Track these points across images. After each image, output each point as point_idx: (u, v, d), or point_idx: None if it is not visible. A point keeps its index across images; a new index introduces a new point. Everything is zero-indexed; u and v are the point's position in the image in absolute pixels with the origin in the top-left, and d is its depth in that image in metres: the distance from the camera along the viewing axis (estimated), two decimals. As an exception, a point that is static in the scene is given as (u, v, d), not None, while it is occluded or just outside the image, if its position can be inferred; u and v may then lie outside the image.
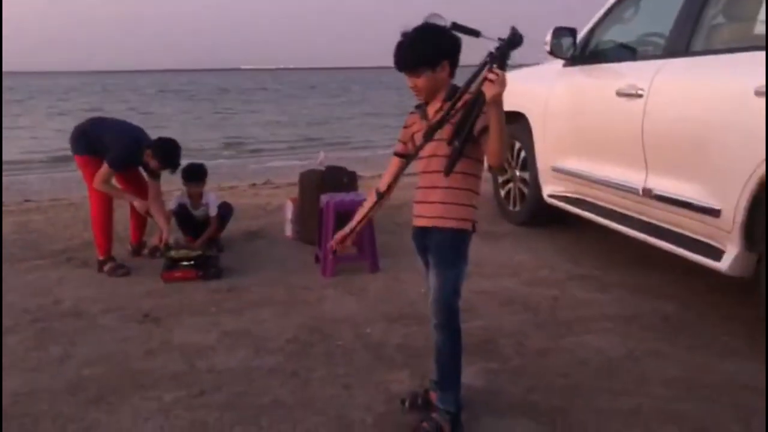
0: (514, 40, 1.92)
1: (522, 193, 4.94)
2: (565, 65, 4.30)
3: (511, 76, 5.51)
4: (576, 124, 4.17)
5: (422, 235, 2.29)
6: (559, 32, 4.08)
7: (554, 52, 4.13)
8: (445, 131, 2.09)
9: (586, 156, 4.03)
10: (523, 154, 4.83)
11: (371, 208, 2.38)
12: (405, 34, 2.14)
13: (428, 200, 2.23)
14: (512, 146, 4.95)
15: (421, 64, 2.15)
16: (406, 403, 2.47)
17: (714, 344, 2.99)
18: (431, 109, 2.18)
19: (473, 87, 2.00)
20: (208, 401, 2.57)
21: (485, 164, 2.21)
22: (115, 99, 34.97)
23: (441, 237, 2.22)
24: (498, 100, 1.95)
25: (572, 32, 4.10)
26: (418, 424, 2.29)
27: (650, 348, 2.96)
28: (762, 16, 2.97)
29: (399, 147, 2.37)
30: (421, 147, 2.17)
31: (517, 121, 4.79)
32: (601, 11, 4.16)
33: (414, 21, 2.15)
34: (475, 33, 2.01)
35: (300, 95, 37.77)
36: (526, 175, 4.81)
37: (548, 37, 4.08)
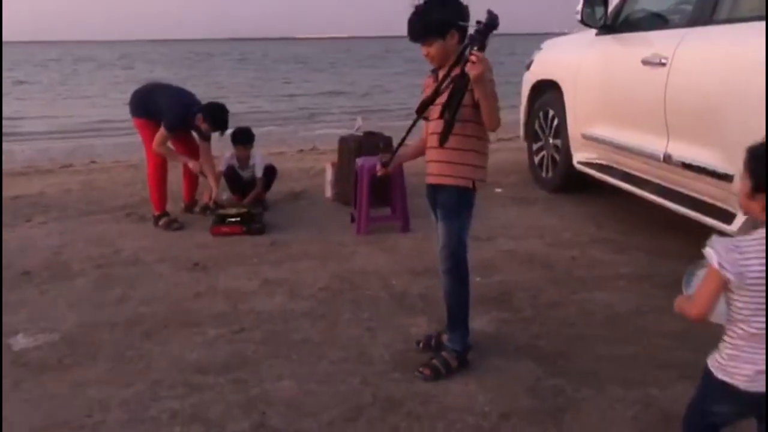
0: (490, 23, 2.13)
1: (554, 161, 5.05)
2: (597, 34, 4.38)
3: (547, 45, 5.56)
4: (604, 92, 4.26)
5: (432, 191, 2.53)
6: (591, 1, 4.16)
7: (585, 21, 4.22)
8: (441, 99, 2.30)
9: (612, 123, 4.14)
10: (556, 121, 4.95)
11: (407, 132, 2.51)
12: (416, 7, 2.34)
13: (433, 159, 2.47)
14: (546, 114, 5.06)
15: (431, 34, 2.35)
16: (421, 344, 2.74)
17: (720, 304, 3.12)
18: (442, 73, 2.37)
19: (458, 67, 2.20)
20: (247, 337, 2.90)
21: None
22: (176, 67, 35.92)
23: (446, 193, 2.46)
24: (480, 78, 2.15)
25: (604, 1, 4.17)
26: (429, 360, 2.55)
27: (657, 305, 3.10)
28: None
29: None
30: (419, 117, 2.39)
31: (552, 89, 4.90)
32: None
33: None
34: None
35: (360, 64, 37.66)
36: (559, 143, 4.93)
37: (579, 6, 4.16)
